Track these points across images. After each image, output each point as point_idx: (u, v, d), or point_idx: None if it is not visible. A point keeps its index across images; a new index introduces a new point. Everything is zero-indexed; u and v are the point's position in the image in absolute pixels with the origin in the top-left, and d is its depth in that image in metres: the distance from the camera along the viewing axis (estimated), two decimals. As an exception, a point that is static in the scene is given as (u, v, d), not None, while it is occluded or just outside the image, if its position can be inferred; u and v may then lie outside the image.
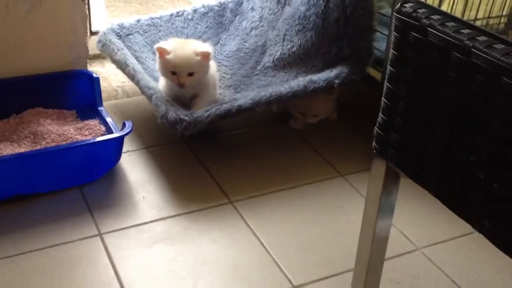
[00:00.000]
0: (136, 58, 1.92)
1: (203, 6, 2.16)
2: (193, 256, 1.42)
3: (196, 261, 1.41)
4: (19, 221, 1.50)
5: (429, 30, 0.81)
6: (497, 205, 0.78)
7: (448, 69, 0.80)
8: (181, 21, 2.12)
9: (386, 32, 1.74)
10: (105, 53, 1.95)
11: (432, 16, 0.82)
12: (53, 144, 1.67)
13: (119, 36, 1.98)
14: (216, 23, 2.16)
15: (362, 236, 1.07)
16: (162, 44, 1.72)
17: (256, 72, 2.00)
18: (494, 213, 0.79)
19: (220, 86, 1.93)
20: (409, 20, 0.84)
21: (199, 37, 2.07)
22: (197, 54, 1.68)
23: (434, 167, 0.86)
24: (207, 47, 1.73)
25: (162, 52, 1.69)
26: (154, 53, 1.85)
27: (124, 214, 1.55)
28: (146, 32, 2.06)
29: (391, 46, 0.89)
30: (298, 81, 1.76)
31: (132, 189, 1.64)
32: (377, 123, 0.95)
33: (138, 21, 2.06)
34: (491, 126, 0.76)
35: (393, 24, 0.88)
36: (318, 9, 1.87)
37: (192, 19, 2.13)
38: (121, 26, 2.01)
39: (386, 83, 0.91)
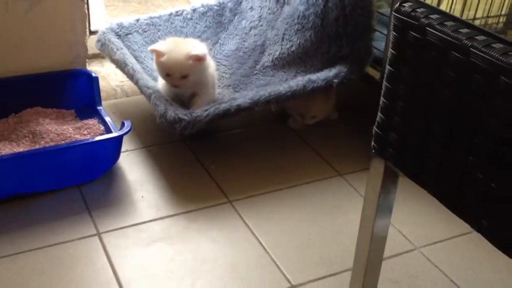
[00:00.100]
0: (135, 57, 1.92)
1: (202, 6, 2.16)
2: (192, 256, 1.42)
3: (194, 260, 1.41)
4: (17, 220, 1.50)
5: (428, 30, 0.81)
6: (495, 205, 0.78)
7: (446, 68, 0.80)
8: (180, 21, 2.12)
9: (385, 32, 1.74)
10: (104, 52, 1.95)
11: (431, 16, 0.82)
12: (52, 144, 1.67)
13: (118, 35, 1.98)
14: (215, 22, 2.16)
15: (361, 236, 1.07)
16: (157, 45, 1.72)
17: (255, 72, 2.00)
18: (492, 213, 0.79)
19: (219, 86, 1.93)
20: (408, 19, 0.84)
21: (198, 37, 2.07)
22: (189, 58, 1.67)
23: (433, 167, 0.86)
24: (201, 49, 1.72)
25: (157, 54, 1.69)
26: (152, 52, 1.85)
27: (123, 213, 1.55)
28: (145, 31, 2.06)
29: (390, 46, 0.89)
30: (297, 81, 1.76)
31: (130, 188, 1.64)
32: (376, 123, 0.95)
33: (137, 20, 2.06)
34: (489, 125, 0.76)
35: (392, 24, 0.88)
36: (317, 9, 1.87)
37: (191, 19, 2.13)
38: (120, 26, 2.01)
39: (385, 83, 0.91)
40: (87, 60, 1.99)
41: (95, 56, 2.22)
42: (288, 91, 1.71)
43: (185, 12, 2.13)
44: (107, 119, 1.77)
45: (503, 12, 1.90)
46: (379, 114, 0.94)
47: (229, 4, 2.18)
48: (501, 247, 0.79)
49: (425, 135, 0.86)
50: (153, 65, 1.83)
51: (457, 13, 1.74)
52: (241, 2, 2.17)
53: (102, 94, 1.93)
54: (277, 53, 1.97)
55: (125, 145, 1.77)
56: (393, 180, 0.99)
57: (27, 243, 1.43)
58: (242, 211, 1.58)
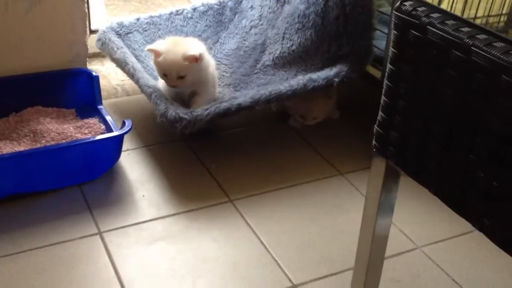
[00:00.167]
0: (136, 56, 1.92)
1: (203, 5, 2.16)
2: (193, 255, 1.42)
3: (196, 259, 1.41)
4: (18, 219, 1.50)
5: (429, 28, 0.81)
6: (497, 203, 0.78)
7: (447, 67, 0.79)
8: (180, 20, 2.12)
9: (386, 31, 1.74)
10: (105, 51, 1.95)
11: (432, 14, 0.82)
12: (52, 143, 1.67)
13: (118, 34, 1.98)
14: (215, 21, 2.16)
15: (362, 235, 1.07)
16: (155, 45, 1.72)
17: (256, 71, 2.00)
18: (494, 212, 0.79)
19: (219, 85, 1.93)
20: (409, 18, 0.84)
21: (198, 36, 2.07)
22: (185, 58, 1.67)
23: (434, 166, 0.86)
24: (198, 48, 1.72)
25: (155, 54, 1.69)
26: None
27: (124, 212, 1.55)
28: (146, 30, 2.05)
29: (391, 44, 0.89)
30: (297, 80, 1.76)
31: (131, 187, 1.64)
32: (376, 122, 0.95)
33: (138, 19, 2.06)
34: (490, 124, 0.76)
35: (393, 22, 0.88)
36: (317, 8, 1.87)
37: (191, 18, 2.13)
38: (121, 25, 2.01)
39: (385, 81, 0.91)
40: (87, 59, 1.99)
41: (95, 55, 2.22)
42: (288, 90, 1.71)
43: (185, 11, 2.13)
44: (108, 118, 1.77)
45: (504, 11, 1.89)
46: (380, 113, 0.94)
47: (229, 3, 2.18)
48: (503, 246, 0.79)
49: (426, 133, 0.86)
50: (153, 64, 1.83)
51: (458, 12, 1.74)
52: (241, 1, 2.17)
53: (103, 93, 1.93)
54: (278, 52, 1.97)
55: (126, 144, 1.77)
56: (395, 179, 0.99)
57: (28, 242, 1.43)
58: (243, 210, 1.58)
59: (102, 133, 1.74)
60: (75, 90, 1.90)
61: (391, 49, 0.89)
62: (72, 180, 1.61)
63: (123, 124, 1.66)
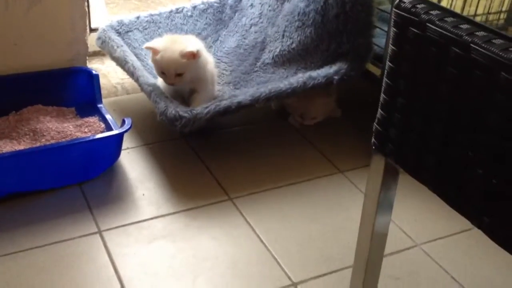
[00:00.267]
0: (136, 55, 1.92)
1: (203, 3, 2.16)
2: (193, 253, 1.42)
3: (195, 258, 1.41)
4: (18, 218, 1.50)
5: (428, 26, 0.81)
6: (496, 201, 0.78)
7: (447, 64, 0.79)
8: (180, 18, 2.11)
9: (386, 28, 1.74)
10: (105, 50, 1.95)
11: (431, 12, 0.82)
12: (52, 141, 1.67)
13: (118, 33, 1.98)
14: (215, 19, 2.16)
15: (361, 232, 1.07)
16: (152, 43, 1.72)
17: (256, 69, 2.00)
18: (493, 209, 0.79)
19: (219, 83, 1.93)
20: (408, 15, 0.84)
21: (198, 34, 2.07)
22: (183, 56, 1.67)
23: (433, 163, 0.86)
24: (195, 45, 1.72)
25: (153, 52, 1.69)
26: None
27: (124, 211, 1.55)
28: (146, 29, 2.05)
29: (390, 42, 0.89)
30: (297, 78, 1.76)
31: (131, 186, 1.64)
32: (376, 119, 0.95)
33: (138, 18, 2.06)
34: (490, 121, 0.75)
35: (392, 20, 0.88)
36: (317, 5, 1.87)
37: (191, 16, 2.13)
38: (121, 23, 2.01)
39: (385, 79, 0.91)
40: (87, 57, 1.99)
41: (95, 54, 2.22)
42: (288, 88, 1.71)
43: (185, 9, 2.13)
44: (108, 116, 1.77)
45: (504, 9, 1.89)
46: (379, 110, 0.94)
47: (229, 1, 2.18)
48: (502, 243, 0.79)
49: (425, 131, 0.86)
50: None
51: (457, 10, 1.74)
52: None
53: (103, 92, 1.93)
54: (278, 50, 1.97)
55: (126, 142, 1.77)
56: (394, 176, 0.99)
57: (28, 241, 1.43)
58: (242, 208, 1.58)
59: (102, 132, 1.74)
60: (75, 89, 1.90)
61: (390, 46, 0.89)
62: (72, 179, 1.61)
63: (123, 122, 1.66)
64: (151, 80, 1.76)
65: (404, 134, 0.91)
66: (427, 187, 0.89)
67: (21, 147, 1.64)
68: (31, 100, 1.84)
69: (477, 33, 0.76)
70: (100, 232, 1.47)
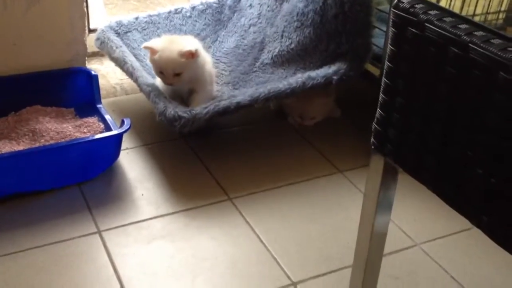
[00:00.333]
0: (135, 55, 1.92)
1: (202, 3, 2.15)
2: (192, 253, 1.42)
3: (195, 257, 1.41)
4: (18, 218, 1.50)
5: (427, 25, 0.81)
6: (495, 200, 0.78)
7: (445, 64, 0.80)
8: (179, 19, 2.11)
9: (385, 28, 1.74)
10: (104, 50, 1.95)
11: (430, 12, 0.82)
12: (51, 142, 1.67)
13: (117, 33, 1.98)
14: (214, 20, 2.16)
15: (361, 232, 1.07)
16: (151, 43, 1.72)
17: (255, 69, 2.00)
18: (492, 209, 0.79)
19: (218, 83, 1.93)
20: (407, 15, 0.84)
21: (197, 35, 2.07)
22: (181, 55, 1.67)
23: (432, 163, 0.86)
24: (193, 44, 1.72)
25: (151, 52, 1.69)
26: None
27: (123, 211, 1.55)
28: (145, 29, 2.05)
29: (389, 42, 0.89)
30: (296, 78, 1.76)
31: (131, 186, 1.64)
32: (375, 119, 0.95)
33: (137, 18, 2.06)
34: (488, 121, 0.76)
35: (391, 20, 0.88)
36: (316, 6, 1.87)
37: (190, 17, 2.13)
38: (120, 24, 2.01)
39: (384, 79, 0.91)
40: (86, 58, 1.99)
41: (94, 54, 2.22)
42: (287, 88, 1.71)
43: (184, 10, 2.13)
44: (107, 117, 1.77)
45: (502, 8, 1.89)
46: (378, 110, 0.94)
47: (228, 2, 2.18)
48: (501, 243, 0.79)
49: (424, 131, 0.86)
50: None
51: (456, 9, 1.74)
52: (240, 0, 2.17)
53: (102, 92, 1.93)
54: (277, 50, 1.97)
55: (125, 143, 1.77)
56: (393, 176, 0.99)
57: (28, 241, 1.43)
58: (242, 208, 1.58)
59: (101, 132, 1.75)
60: (74, 89, 1.90)
61: (389, 46, 0.89)
62: (71, 179, 1.61)
63: (122, 123, 1.66)
64: (150, 80, 1.77)
65: (403, 134, 0.91)
66: (426, 187, 0.89)
67: (20, 148, 1.64)
68: (30, 100, 1.84)
69: (475, 33, 0.76)
70: (99, 232, 1.47)
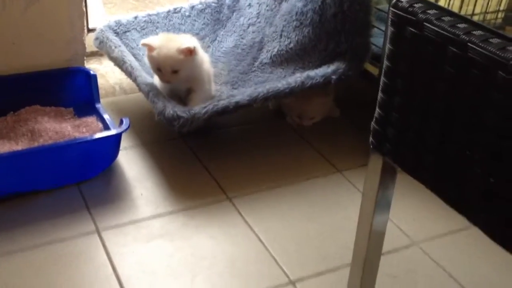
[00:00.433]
0: (134, 55, 1.92)
1: (200, 3, 2.16)
2: (191, 252, 1.42)
3: (194, 257, 1.41)
4: (17, 218, 1.50)
5: (426, 25, 0.81)
6: (494, 199, 0.78)
7: (444, 63, 0.80)
8: (178, 18, 2.11)
9: (384, 28, 1.74)
10: (103, 50, 1.95)
11: (429, 11, 0.82)
12: (50, 142, 1.67)
13: (116, 33, 1.98)
14: (213, 19, 2.16)
15: (359, 231, 1.07)
16: (149, 40, 1.72)
17: (254, 69, 2.00)
18: (491, 207, 0.79)
19: (217, 83, 1.93)
20: (406, 14, 0.84)
21: (196, 34, 2.06)
22: (180, 52, 1.67)
23: (431, 162, 0.87)
24: (192, 42, 1.72)
25: (149, 48, 1.69)
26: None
27: (122, 210, 1.55)
28: (144, 29, 2.05)
29: (388, 41, 0.89)
30: (295, 77, 1.76)
31: (129, 185, 1.64)
32: (373, 118, 0.95)
33: (136, 18, 2.05)
34: (487, 120, 0.76)
35: (390, 19, 0.88)
36: (315, 5, 1.87)
37: (189, 16, 2.13)
38: (118, 23, 2.01)
39: (382, 78, 0.92)
40: (85, 57, 1.99)
41: (93, 54, 2.22)
42: (286, 88, 1.71)
43: (183, 10, 2.13)
44: (106, 116, 1.77)
45: (501, 8, 1.90)
46: (377, 109, 0.94)
47: (227, 1, 2.18)
48: (500, 241, 0.79)
49: (423, 130, 0.86)
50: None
51: (455, 9, 1.74)
52: (239, -1, 2.17)
53: (101, 92, 1.93)
54: (275, 50, 1.97)
55: (124, 142, 1.77)
56: (392, 175, 0.99)
57: (27, 240, 1.43)
58: (241, 207, 1.58)
59: (100, 132, 1.74)
60: (73, 89, 1.90)
61: (388, 45, 0.89)
62: (70, 178, 1.61)
63: (121, 122, 1.66)
64: (149, 80, 1.77)
65: (402, 133, 0.91)
66: (425, 186, 0.89)
67: (19, 148, 1.64)
68: (29, 100, 1.84)
69: (474, 32, 0.76)
70: (98, 232, 1.47)
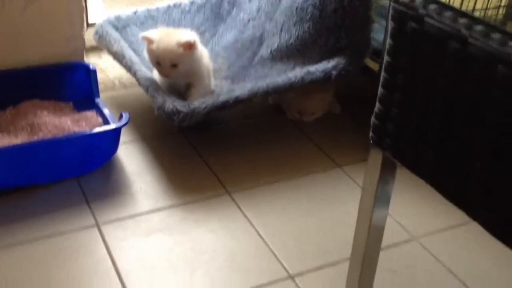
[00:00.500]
0: (133, 49, 1.92)
1: (200, -3, 2.15)
2: (190, 246, 1.43)
3: (193, 251, 1.41)
4: (16, 212, 1.50)
5: (426, 20, 0.81)
6: (493, 195, 0.78)
7: (445, 58, 0.80)
8: (178, 13, 2.11)
9: (384, 23, 1.74)
10: (102, 45, 1.94)
11: (429, 6, 0.82)
12: (50, 136, 1.67)
13: (116, 28, 1.98)
14: (213, 14, 2.16)
15: (359, 226, 1.07)
16: (149, 33, 1.72)
17: (254, 64, 2.00)
18: (490, 203, 0.80)
19: (217, 78, 1.93)
20: (406, 9, 0.84)
21: (196, 29, 2.06)
22: (180, 45, 1.66)
23: (431, 157, 0.87)
24: (191, 36, 1.72)
25: (148, 42, 1.69)
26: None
27: (122, 204, 1.55)
28: (143, 23, 2.05)
29: (388, 36, 0.89)
30: (295, 72, 1.76)
31: (129, 180, 1.65)
32: (374, 113, 0.95)
33: (135, 12, 2.05)
34: (487, 115, 0.76)
35: (390, 14, 0.88)
36: (315, 0, 1.87)
37: (189, 11, 2.13)
38: (118, 18, 2.01)
39: (383, 73, 0.92)
40: (85, 52, 1.99)
41: (93, 49, 2.21)
42: (286, 83, 1.71)
43: (183, 4, 2.12)
44: (105, 111, 1.77)
45: (502, 4, 1.89)
46: (377, 104, 0.94)
47: (227, -4, 2.17)
48: (499, 237, 0.79)
49: (423, 125, 0.86)
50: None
51: (456, 5, 1.73)
52: (239, -6, 2.17)
53: (100, 86, 1.93)
54: (276, 45, 1.96)
55: (123, 136, 1.77)
56: (391, 170, 1.00)
57: (26, 234, 1.43)
58: (240, 202, 1.58)
59: (99, 126, 1.74)
60: (72, 84, 1.90)
61: (388, 40, 0.89)
62: (69, 172, 1.61)
63: (121, 117, 1.66)
64: (148, 74, 1.76)
65: (402, 128, 0.91)
66: (425, 181, 0.89)
67: (19, 141, 1.64)
68: (28, 94, 1.83)
69: (475, 27, 0.76)
70: (97, 225, 1.47)
